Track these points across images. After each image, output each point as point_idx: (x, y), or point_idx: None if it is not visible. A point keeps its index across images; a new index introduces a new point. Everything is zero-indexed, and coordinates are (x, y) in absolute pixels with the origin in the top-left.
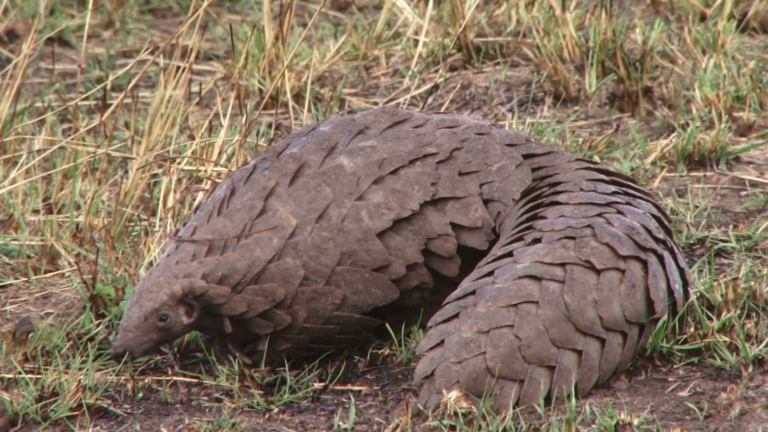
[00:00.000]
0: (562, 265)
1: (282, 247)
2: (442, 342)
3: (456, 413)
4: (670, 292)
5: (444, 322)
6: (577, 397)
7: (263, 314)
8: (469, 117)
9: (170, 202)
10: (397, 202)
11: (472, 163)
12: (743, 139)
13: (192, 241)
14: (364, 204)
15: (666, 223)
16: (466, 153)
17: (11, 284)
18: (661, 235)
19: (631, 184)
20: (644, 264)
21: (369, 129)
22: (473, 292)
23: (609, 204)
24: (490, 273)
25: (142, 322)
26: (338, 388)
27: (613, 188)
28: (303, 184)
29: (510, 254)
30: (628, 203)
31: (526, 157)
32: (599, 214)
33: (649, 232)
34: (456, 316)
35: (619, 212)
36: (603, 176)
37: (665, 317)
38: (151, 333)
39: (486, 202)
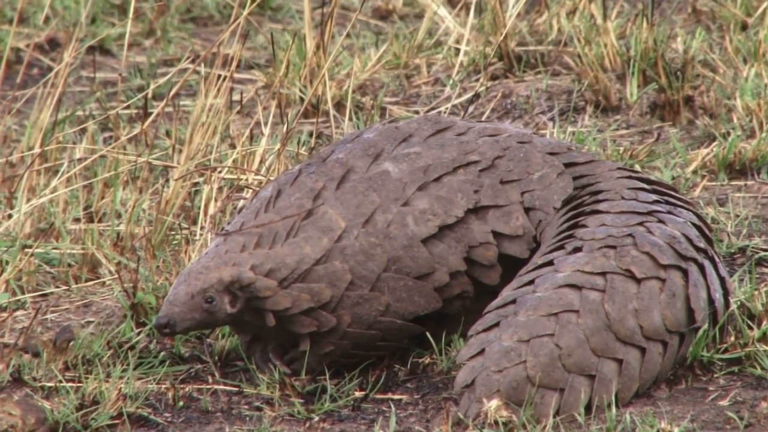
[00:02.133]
0: (603, 274)
1: (330, 248)
2: (482, 351)
3: (496, 422)
4: (711, 301)
5: (484, 331)
6: (617, 406)
7: (307, 312)
8: (511, 125)
9: (211, 211)
10: (442, 209)
11: (514, 172)
12: None
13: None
14: (410, 210)
15: (707, 232)
16: (508, 161)
17: (52, 293)
18: (702, 244)
19: (673, 193)
20: (685, 273)
21: (412, 137)
22: (514, 301)
23: (650, 213)
24: (531, 282)
25: (189, 299)
26: (379, 396)
27: (655, 197)
28: (350, 189)
29: (551, 263)
30: (669, 212)
31: (567, 165)
32: (640, 223)
33: (690, 241)
34: (496, 325)
35: (660, 221)
36: (644, 185)
37: (706, 326)
38: (195, 312)
39: (527, 210)
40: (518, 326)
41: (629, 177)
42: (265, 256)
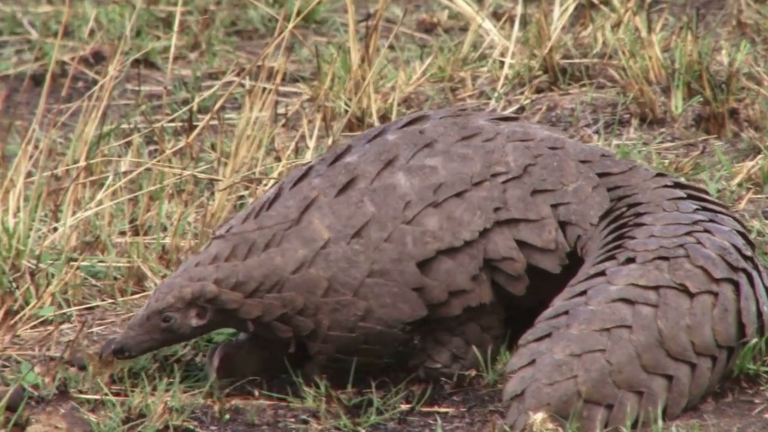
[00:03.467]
0: (656, 288)
1: (310, 258)
2: (533, 362)
3: None
4: (759, 314)
5: (536, 341)
6: (664, 420)
7: (282, 318)
8: (540, 128)
9: None
10: (450, 231)
11: (547, 181)
12: None
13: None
14: (411, 229)
15: (749, 237)
16: (541, 170)
17: (98, 306)
18: (749, 253)
19: (707, 197)
20: (736, 286)
21: (437, 143)
22: (566, 313)
23: (695, 222)
24: (583, 293)
25: (144, 321)
26: (425, 409)
27: (694, 205)
28: (346, 198)
29: (602, 273)
30: (711, 220)
31: (601, 175)
32: (688, 233)
33: (738, 250)
34: (548, 335)
35: (706, 230)
36: (681, 193)
37: (755, 340)
38: (153, 333)
39: (562, 223)
40: (570, 340)
41: (665, 186)
42: (231, 270)
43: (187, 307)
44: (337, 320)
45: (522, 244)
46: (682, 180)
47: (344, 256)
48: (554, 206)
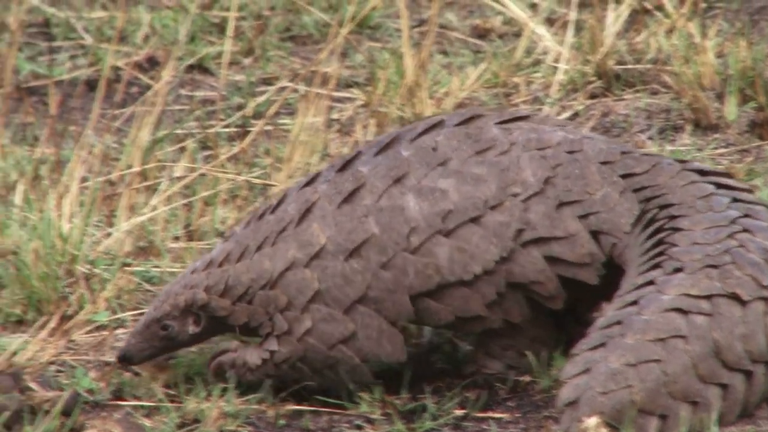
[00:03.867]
0: (708, 297)
1: (304, 260)
2: (588, 370)
3: None
4: None
5: (590, 350)
6: (719, 427)
7: (264, 320)
8: (554, 127)
9: None
10: (461, 264)
11: (573, 192)
12: None
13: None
14: (414, 259)
15: None
16: (563, 180)
17: None
18: None
19: (732, 182)
20: None
21: (451, 160)
22: (619, 322)
23: (732, 221)
24: (635, 302)
25: (144, 329)
26: (479, 415)
27: (725, 199)
28: (350, 211)
29: (652, 282)
30: (746, 215)
31: (625, 176)
32: (730, 235)
33: None
34: (602, 345)
35: (746, 230)
36: (710, 187)
37: None
38: (153, 341)
39: (593, 232)
40: (626, 349)
41: (693, 182)
42: (221, 276)
43: (184, 315)
44: (321, 330)
45: (555, 260)
46: (705, 166)
47: (341, 273)
48: (583, 217)
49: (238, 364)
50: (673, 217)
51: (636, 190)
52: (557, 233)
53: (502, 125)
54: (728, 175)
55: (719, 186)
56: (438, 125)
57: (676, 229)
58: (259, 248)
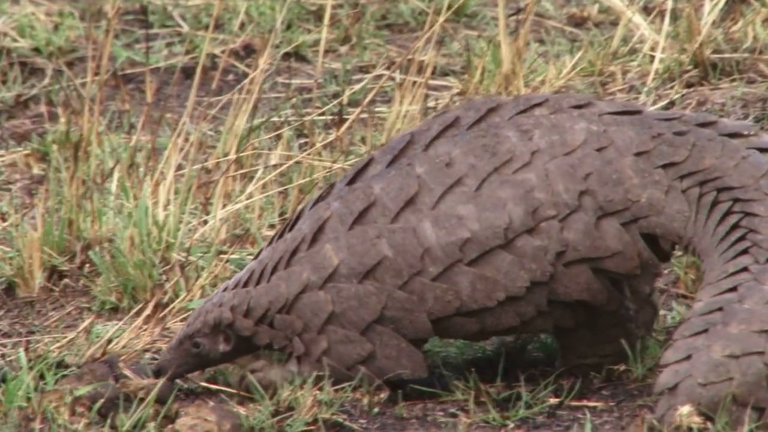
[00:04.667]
0: None
1: (319, 283)
2: (689, 357)
3: (690, 429)
4: None
5: (692, 336)
6: None
7: (285, 344)
8: (572, 116)
9: None
10: (483, 293)
11: (615, 201)
12: None
13: None
14: (432, 285)
15: None
16: (601, 186)
17: None
18: None
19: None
20: None
21: (467, 178)
22: (720, 309)
23: None
24: (732, 289)
25: (178, 345)
26: (574, 403)
27: None
28: (361, 233)
29: (745, 270)
30: None
31: (665, 167)
32: None
33: None
34: (704, 331)
35: None
36: (762, 158)
37: None
38: (186, 357)
39: (645, 235)
40: (730, 339)
41: (743, 159)
42: (244, 296)
43: (214, 333)
44: (338, 352)
45: (605, 271)
46: (735, 125)
47: (356, 295)
48: (631, 222)
49: (264, 385)
50: (738, 200)
51: (682, 177)
52: (600, 253)
53: (519, 123)
54: (756, 135)
55: (762, 150)
56: (453, 124)
57: (749, 214)
58: (275, 269)
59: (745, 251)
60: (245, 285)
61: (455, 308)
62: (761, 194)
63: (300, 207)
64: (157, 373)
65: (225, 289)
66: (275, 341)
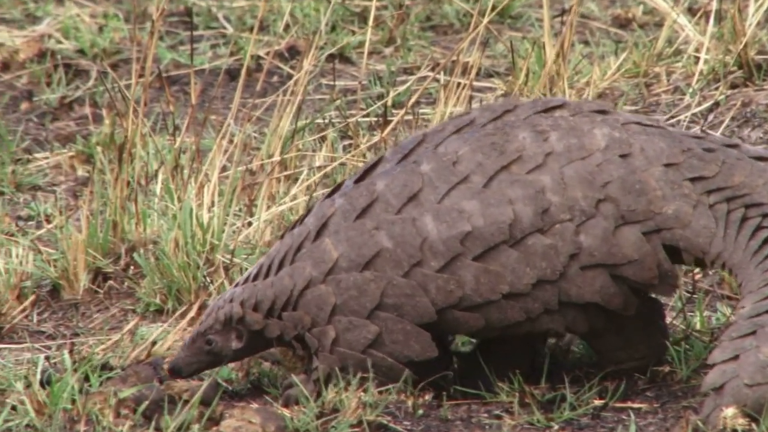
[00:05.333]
0: None
1: (320, 278)
2: (736, 357)
3: (735, 431)
4: None
5: (740, 337)
6: None
7: (297, 338)
8: (594, 121)
9: None
10: (487, 287)
11: (637, 211)
12: None
13: None
14: (434, 276)
15: None
16: (624, 194)
17: None
18: None
19: None
20: None
21: (473, 175)
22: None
23: None
24: None
25: (191, 344)
26: (618, 405)
27: None
28: (360, 225)
29: None
30: None
31: (694, 180)
32: None
33: None
34: (753, 333)
35: None
36: None
37: None
38: (199, 355)
39: (668, 247)
40: None
41: None
42: (252, 290)
43: (226, 330)
44: (347, 339)
45: (623, 278)
46: (761, 150)
47: (354, 284)
48: (654, 232)
49: (305, 392)
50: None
51: (710, 192)
52: (617, 260)
53: (534, 123)
54: None
55: None
56: (468, 125)
57: None
58: (281, 264)
59: None
60: (254, 280)
61: (458, 298)
62: None
63: (312, 203)
64: (172, 372)
65: (236, 285)
66: (285, 333)
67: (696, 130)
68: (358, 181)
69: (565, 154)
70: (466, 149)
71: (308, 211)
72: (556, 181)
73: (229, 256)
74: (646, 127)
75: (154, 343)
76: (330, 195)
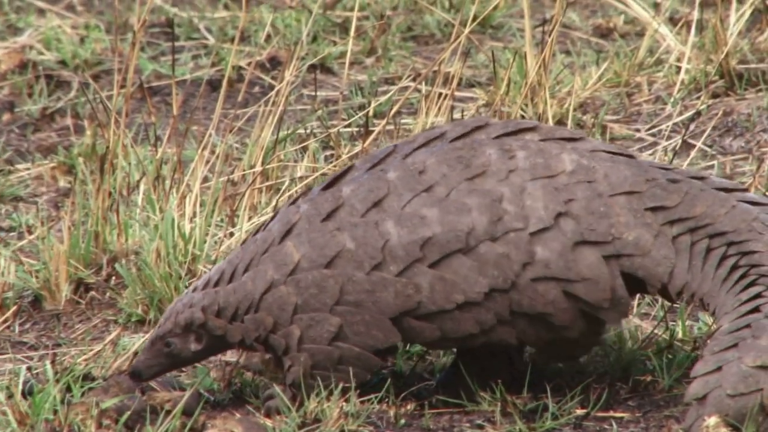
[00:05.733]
0: None
1: (281, 280)
2: (719, 368)
3: None
4: None
5: (722, 351)
6: None
7: (258, 340)
8: (562, 145)
9: None
10: (441, 294)
11: (597, 232)
12: None
13: None
14: (393, 280)
15: None
16: (586, 214)
17: None
18: None
19: (755, 197)
20: None
21: (437, 186)
22: (748, 326)
23: None
24: (755, 310)
25: (151, 346)
26: (600, 414)
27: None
28: (323, 227)
29: (760, 295)
30: None
31: (654, 210)
32: None
33: None
34: (734, 346)
35: None
36: (754, 210)
37: None
38: (159, 357)
39: (627, 276)
40: (761, 350)
41: (733, 207)
42: (214, 296)
43: (185, 333)
44: (311, 336)
45: (574, 296)
46: (725, 182)
47: (313, 282)
48: (613, 257)
49: (285, 401)
50: (732, 243)
51: (672, 223)
52: (571, 276)
53: (503, 142)
54: (746, 189)
55: (753, 203)
56: (439, 138)
57: (747, 253)
58: (246, 270)
59: (753, 283)
60: (216, 285)
61: (416, 302)
62: (756, 234)
63: (276, 209)
64: (133, 375)
65: (195, 290)
66: (247, 337)
67: (677, 140)
68: (325, 188)
69: (530, 170)
70: (433, 160)
71: (272, 217)
72: (515, 193)
73: (210, 267)
74: (613, 155)
75: (136, 353)
76: (295, 201)
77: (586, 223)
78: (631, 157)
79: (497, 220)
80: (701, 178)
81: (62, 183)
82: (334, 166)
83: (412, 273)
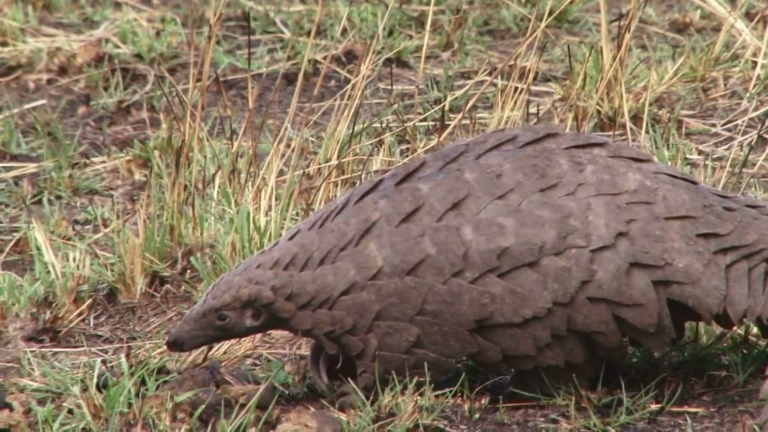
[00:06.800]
0: None
1: (362, 283)
2: None
3: None
4: None
5: None
6: None
7: (330, 335)
8: (629, 163)
9: None
10: (511, 307)
11: (650, 254)
12: None
13: None
14: (469, 288)
15: None
16: (642, 237)
17: None
18: None
19: None
20: None
21: (512, 193)
22: None
23: None
24: None
25: (200, 317)
26: (675, 409)
27: None
28: (405, 230)
29: None
30: None
31: (707, 236)
32: None
33: None
34: None
35: None
36: None
37: None
38: (207, 329)
39: (673, 302)
40: None
41: None
42: (288, 280)
43: (243, 308)
44: (388, 343)
45: (621, 320)
46: None
47: (396, 291)
48: (661, 283)
49: (360, 396)
50: None
51: (725, 250)
52: (623, 300)
53: (574, 154)
54: None
55: None
56: (510, 141)
57: None
58: (322, 261)
59: None
60: (286, 268)
61: (490, 312)
62: None
63: (345, 196)
64: (173, 345)
65: (258, 266)
66: (317, 329)
67: (753, 135)
68: (399, 183)
69: (595, 185)
70: (508, 166)
71: (343, 205)
72: (581, 208)
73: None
74: (674, 179)
75: (210, 347)
76: (368, 193)
77: (640, 245)
78: (693, 183)
79: (565, 236)
80: (756, 207)
81: (138, 176)
82: (410, 160)
83: (484, 282)
